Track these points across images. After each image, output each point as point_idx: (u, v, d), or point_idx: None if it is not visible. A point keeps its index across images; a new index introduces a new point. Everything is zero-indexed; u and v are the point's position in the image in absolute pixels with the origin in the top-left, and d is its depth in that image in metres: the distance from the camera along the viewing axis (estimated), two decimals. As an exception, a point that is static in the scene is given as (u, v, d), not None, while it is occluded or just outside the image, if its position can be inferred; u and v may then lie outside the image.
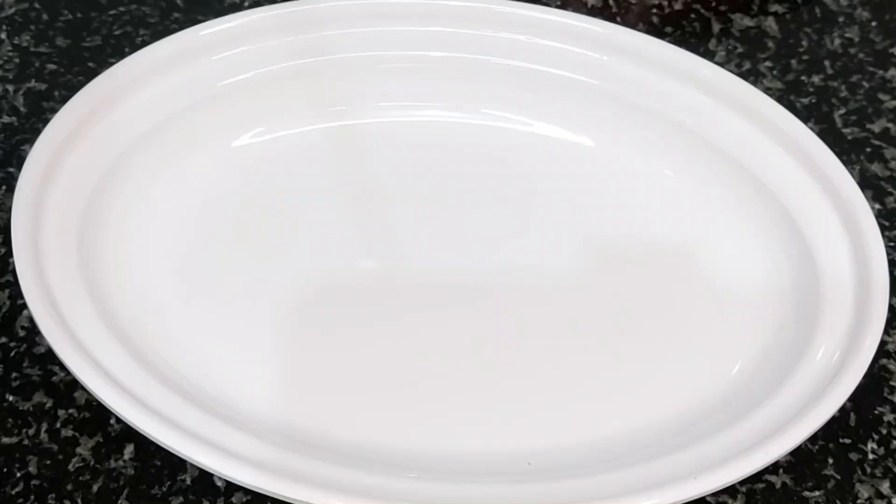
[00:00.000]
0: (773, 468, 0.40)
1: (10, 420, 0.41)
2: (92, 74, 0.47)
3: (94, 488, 0.39)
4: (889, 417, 0.42)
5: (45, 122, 0.44)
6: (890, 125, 0.54)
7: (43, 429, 0.40)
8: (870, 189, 0.50)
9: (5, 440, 0.40)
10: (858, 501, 0.40)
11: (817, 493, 0.40)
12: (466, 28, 0.50)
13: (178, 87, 0.48)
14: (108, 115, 0.46)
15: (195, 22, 0.51)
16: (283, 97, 0.49)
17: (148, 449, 0.40)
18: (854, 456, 0.41)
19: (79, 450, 0.40)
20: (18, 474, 0.39)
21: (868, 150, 0.53)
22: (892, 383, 0.44)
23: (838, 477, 0.41)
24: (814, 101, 0.55)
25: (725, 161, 0.47)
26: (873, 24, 0.59)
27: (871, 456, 0.41)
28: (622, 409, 0.41)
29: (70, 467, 0.39)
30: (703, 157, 0.48)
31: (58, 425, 0.41)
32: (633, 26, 0.54)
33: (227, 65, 0.49)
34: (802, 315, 0.43)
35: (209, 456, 0.36)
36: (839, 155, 0.46)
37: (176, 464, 0.39)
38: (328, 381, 0.41)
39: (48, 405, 0.41)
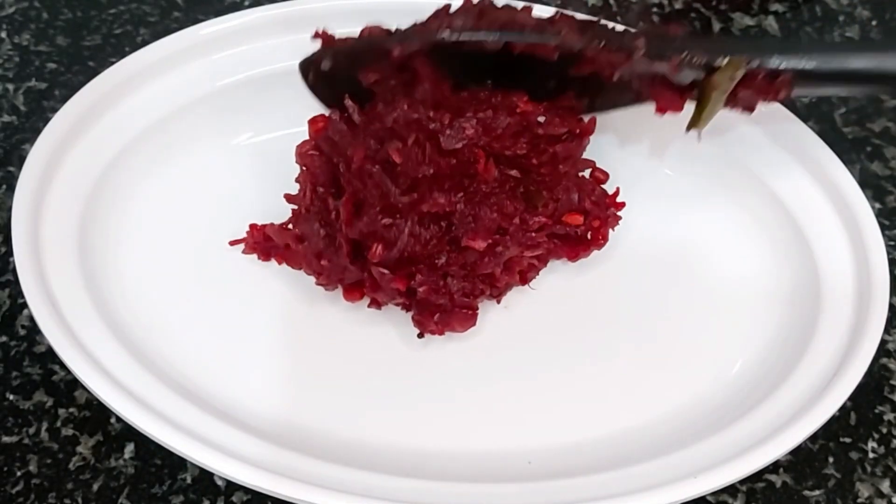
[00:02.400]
0: (774, 467, 0.40)
1: (10, 419, 0.41)
2: (92, 73, 0.47)
3: (95, 487, 0.39)
4: (889, 416, 0.42)
5: (46, 121, 0.45)
6: (890, 124, 0.54)
7: (43, 428, 0.40)
8: (870, 188, 0.50)
9: (6, 439, 0.40)
10: (859, 500, 0.40)
11: (818, 492, 0.40)
12: (466, 27, 0.50)
13: (178, 86, 0.48)
14: (108, 114, 0.46)
15: (195, 21, 0.51)
16: (283, 96, 0.49)
17: (148, 448, 0.40)
18: (854, 455, 0.41)
19: (79, 449, 0.40)
20: (19, 473, 0.39)
21: (868, 149, 0.53)
22: (892, 382, 0.44)
23: (839, 476, 0.41)
24: (814, 100, 0.55)
25: (725, 160, 0.47)
26: (873, 22, 0.59)
27: (871, 455, 0.41)
28: (622, 408, 0.41)
29: (70, 466, 0.39)
30: (703, 156, 0.47)
31: (58, 424, 0.41)
32: (634, 25, 0.54)
33: (226, 64, 0.49)
34: (802, 315, 0.43)
35: (209, 455, 0.36)
36: (839, 154, 0.46)
37: (176, 463, 0.39)
38: (328, 380, 0.41)
39: (48, 404, 0.41)
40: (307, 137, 0.46)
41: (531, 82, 0.41)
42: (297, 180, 0.44)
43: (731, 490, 0.40)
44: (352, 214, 0.40)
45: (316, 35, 0.42)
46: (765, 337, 0.43)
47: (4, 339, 0.43)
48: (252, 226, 0.45)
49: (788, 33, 0.58)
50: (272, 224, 0.44)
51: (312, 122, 0.44)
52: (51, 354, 0.42)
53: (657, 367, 0.43)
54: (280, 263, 0.45)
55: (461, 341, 0.43)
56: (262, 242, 0.45)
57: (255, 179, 0.48)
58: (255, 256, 0.45)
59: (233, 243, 0.45)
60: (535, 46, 0.39)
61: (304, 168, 0.43)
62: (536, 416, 0.41)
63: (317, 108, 0.49)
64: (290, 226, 0.44)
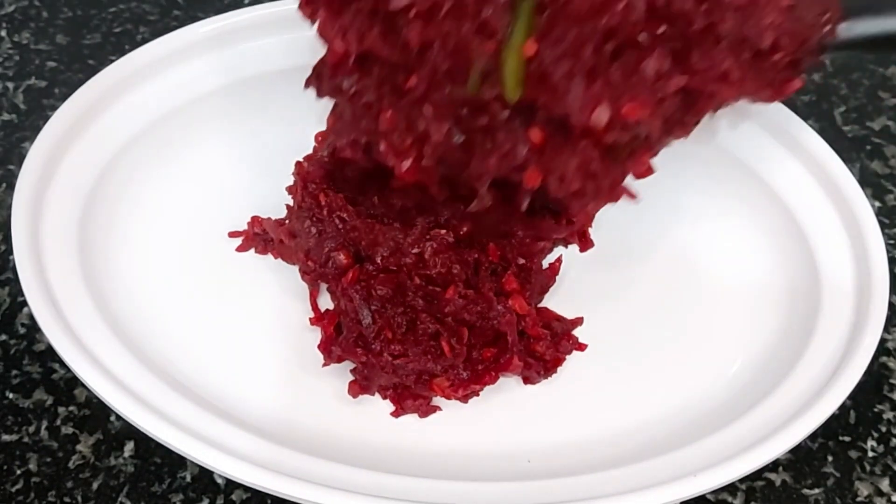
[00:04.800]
0: (773, 466, 0.40)
1: (10, 417, 0.41)
2: (92, 72, 0.47)
3: (95, 486, 0.39)
4: (889, 415, 0.42)
5: (46, 119, 0.45)
6: (890, 123, 0.54)
7: (43, 426, 0.40)
8: (870, 187, 0.50)
9: (5, 437, 0.40)
10: (858, 499, 0.40)
11: (817, 490, 0.40)
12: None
13: (178, 84, 0.48)
14: (107, 112, 0.46)
15: (195, 19, 0.51)
16: (283, 94, 0.49)
17: (148, 446, 0.40)
18: (854, 454, 0.41)
19: (79, 447, 0.40)
20: (19, 472, 0.39)
21: (868, 147, 0.53)
22: (891, 381, 0.44)
23: (838, 475, 0.41)
24: (814, 98, 0.55)
25: (725, 159, 0.47)
26: (874, 21, 0.59)
27: (870, 454, 0.41)
28: (622, 407, 0.41)
29: (70, 465, 0.39)
30: (703, 154, 0.48)
31: (58, 423, 0.41)
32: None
33: (227, 62, 0.49)
34: (802, 314, 0.43)
35: (209, 453, 0.36)
36: (839, 153, 0.46)
37: (176, 461, 0.40)
38: (328, 378, 0.41)
39: (48, 402, 0.41)
40: (309, 135, 0.46)
41: None
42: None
43: (730, 489, 0.40)
44: (331, 336, 0.41)
45: None
46: (765, 336, 0.43)
47: (4, 337, 0.43)
48: (254, 218, 0.45)
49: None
50: (269, 218, 0.45)
51: (320, 135, 0.44)
52: (50, 353, 0.42)
53: (657, 366, 0.43)
54: (276, 258, 0.45)
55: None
56: (261, 235, 0.45)
57: (255, 177, 0.48)
58: (255, 255, 0.45)
59: (232, 234, 0.45)
60: None
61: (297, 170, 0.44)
62: (536, 415, 0.41)
63: (319, 109, 0.49)
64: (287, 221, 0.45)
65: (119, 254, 0.44)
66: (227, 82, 0.49)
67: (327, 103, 0.49)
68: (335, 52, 0.37)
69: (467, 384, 0.40)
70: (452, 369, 0.40)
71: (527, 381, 0.42)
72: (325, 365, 0.41)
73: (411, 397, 0.40)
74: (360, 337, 0.40)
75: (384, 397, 0.41)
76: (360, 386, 0.40)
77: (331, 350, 0.40)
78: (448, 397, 0.40)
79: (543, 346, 0.41)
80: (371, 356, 0.40)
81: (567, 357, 0.43)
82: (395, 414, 0.41)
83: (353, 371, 0.41)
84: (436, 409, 0.41)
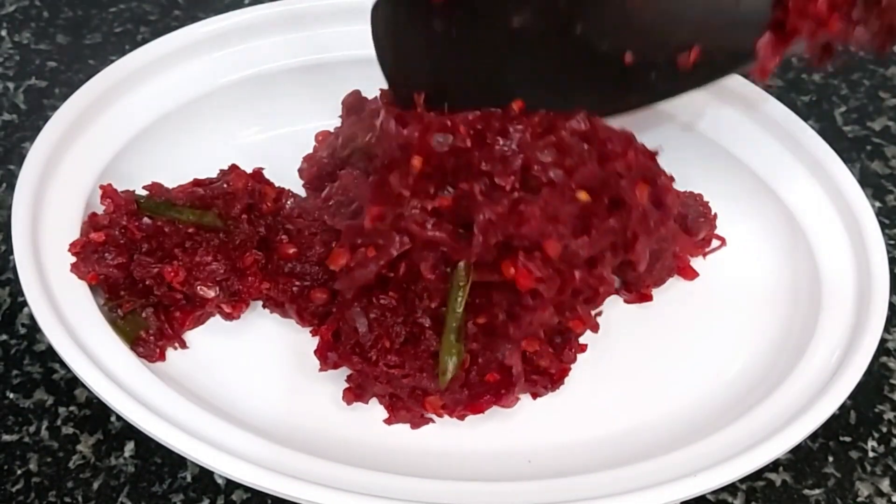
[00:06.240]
0: (774, 466, 0.40)
1: (10, 417, 0.41)
2: (92, 72, 0.47)
3: (95, 486, 0.39)
4: (889, 415, 0.42)
5: (46, 119, 0.44)
6: (890, 123, 0.54)
7: (43, 426, 0.40)
8: (870, 187, 0.50)
9: (6, 437, 0.40)
10: (859, 499, 0.40)
11: (817, 490, 0.40)
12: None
13: (179, 85, 0.48)
14: (108, 112, 0.46)
15: (196, 19, 0.51)
16: (283, 94, 0.49)
17: (148, 446, 0.40)
18: (854, 454, 0.41)
19: (79, 447, 0.40)
20: (19, 472, 0.39)
21: (868, 147, 0.53)
22: (892, 381, 0.44)
23: (838, 475, 0.41)
24: (814, 98, 0.55)
25: (725, 159, 0.47)
26: (874, 21, 0.59)
27: (871, 454, 0.41)
28: (622, 407, 0.41)
29: (70, 465, 0.39)
30: (704, 154, 0.47)
31: (58, 423, 0.41)
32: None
33: (227, 62, 0.49)
34: (802, 314, 0.43)
35: (209, 453, 0.36)
36: (840, 153, 0.46)
37: (176, 461, 0.39)
38: (328, 379, 0.41)
39: (49, 403, 0.41)
40: (308, 135, 0.46)
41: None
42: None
43: (730, 489, 0.40)
44: (329, 342, 0.41)
45: None
46: (765, 337, 0.43)
47: (5, 337, 0.43)
48: None
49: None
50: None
51: (320, 135, 0.44)
52: (51, 353, 0.42)
53: (658, 366, 0.43)
54: None
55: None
56: None
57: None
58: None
59: None
60: None
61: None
62: (536, 415, 0.41)
63: (317, 106, 0.49)
64: None
65: (119, 254, 0.44)
66: (227, 82, 0.48)
67: (327, 102, 0.49)
68: None
69: (461, 407, 0.40)
70: (448, 392, 0.40)
71: (535, 395, 0.41)
72: (321, 370, 0.41)
73: (405, 408, 0.40)
74: (357, 344, 0.40)
75: (380, 402, 0.41)
76: (354, 394, 0.40)
77: (327, 356, 0.40)
78: (440, 416, 0.40)
79: (547, 360, 0.41)
80: (366, 365, 0.39)
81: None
82: (388, 422, 0.40)
83: (348, 379, 0.41)
84: (428, 421, 0.41)
